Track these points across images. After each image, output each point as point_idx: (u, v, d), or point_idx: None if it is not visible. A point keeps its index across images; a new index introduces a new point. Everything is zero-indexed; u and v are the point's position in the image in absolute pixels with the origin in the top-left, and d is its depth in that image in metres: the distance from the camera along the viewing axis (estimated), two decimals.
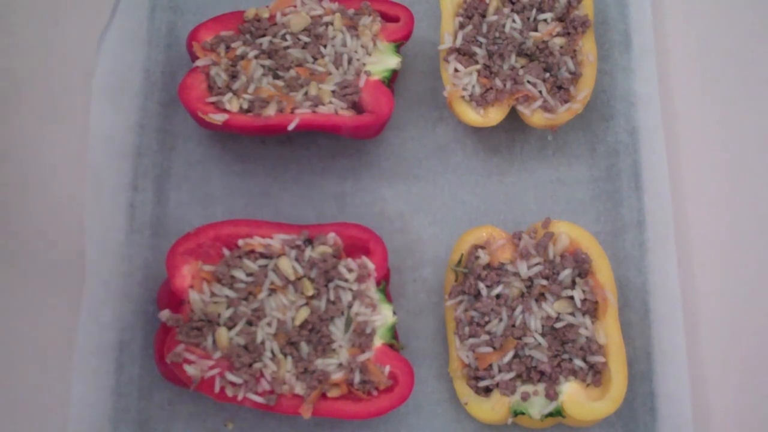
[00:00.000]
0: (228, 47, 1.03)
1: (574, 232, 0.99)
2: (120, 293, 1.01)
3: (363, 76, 1.02)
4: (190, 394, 1.00)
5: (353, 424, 1.00)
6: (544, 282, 0.97)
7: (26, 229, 1.06)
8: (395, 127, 1.10)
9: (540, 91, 1.03)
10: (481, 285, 0.97)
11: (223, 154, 1.08)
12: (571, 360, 0.95)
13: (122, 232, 1.03)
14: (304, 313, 0.94)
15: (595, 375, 0.95)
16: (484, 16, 1.06)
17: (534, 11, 1.05)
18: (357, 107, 1.02)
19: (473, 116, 1.03)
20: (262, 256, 0.96)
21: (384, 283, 0.99)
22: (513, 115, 1.06)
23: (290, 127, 0.99)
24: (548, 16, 1.05)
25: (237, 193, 1.07)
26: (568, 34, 1.05)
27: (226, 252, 0.96)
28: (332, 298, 0.95)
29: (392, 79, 1.04)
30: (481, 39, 1.04)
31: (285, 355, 0.93)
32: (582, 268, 0.97)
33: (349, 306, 0.95)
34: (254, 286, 0.94)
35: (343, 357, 0.94)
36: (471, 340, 0.96)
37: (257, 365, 0.92)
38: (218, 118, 0.99)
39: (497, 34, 1.04)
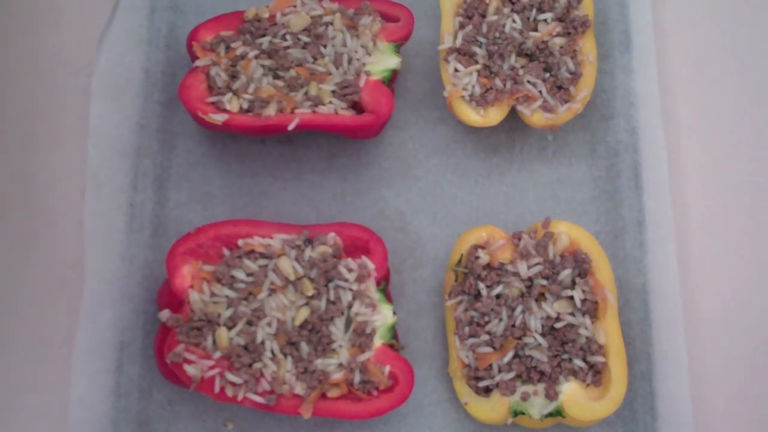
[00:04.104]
0: (228, 47, 1.03)
1: (574, 232, 0.99)
2: (120, 293, 1.01)
3: (363, 76, 1.02)
4: (190, 394, 1.00)
5: (353, 424, 1.00)
6: (544, 282, 0.97)
7: (26, 229, 1.06)
8: (395, 127, 1.10)
9: (540, 91, 1.03)
10: (481, 285, 0.97)
11: (223, 154, 1.08)
12: (571, 360, 0.95)
13: (122, 232, 1.03)
14: (304, 313, 0.94)
15: (595, 375, 0.95)
16: (484, 16, 1.06)
17: (534, 11, 1.05)
18: (357, 107, 1.02)
19: (473, 116, 1.03)
20: (262, 256, 0.96)
21: (384, 283, 0.99)
22: (513, 115, 1.06)
23: (290, 127, 0.99)
24: (548, 16, 1.05)
25: (237, 193, 1.07)
26: (568, 34, 1.05)
27: (226, 252, 0.96)
28: (332, 298, 0.95)
29: (392, 79, 1.04)
30: (481, 39, 1.04)
31: (285, 355, 0.93)
32: (582, 268, 0.97)
33: (349, 306, 0.95)
34: (254, 286, 0.94)
35: (343, 357, 0.94)
36: (471, 340, 0.96)
37: (257, 365, 0.92)
38: (218, 118, 0.99)
39: (497, 34, 1.04)
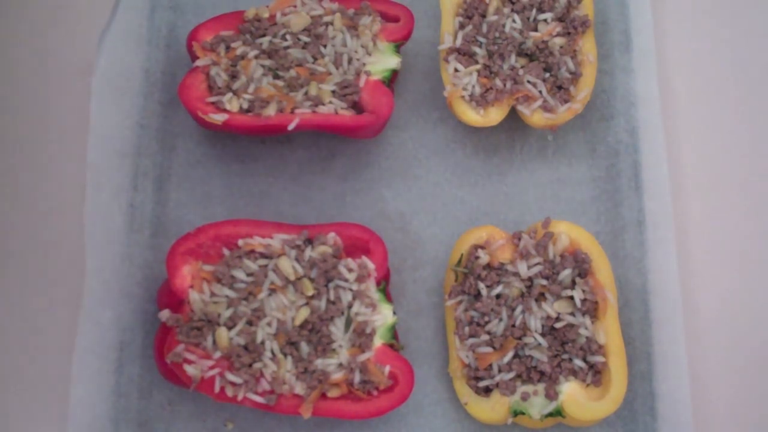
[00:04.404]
0: (228, 47, 1.03)
1: (574, 232, 0.99)
2: (120, 293, 1.01)
3: (363, 76, 1.02)
4: (190, 394, 1.00)
5: (353, 424, 1.00)
6: (544, 282, 0.97)
7: (26, 228, 1.06)
8: (395, 127, 1.10)
9: (540, 91, 1.03)
10: (481, 285, 0.97)
11: (223, 154, 1.08)
12: (571, 360, 0.95)
13: (122, 232, 1.03)
14: (304, 313, 0.94)
15: (595, 375, 0.95)
16: (484, 16, 1.06)
17: (534, 11, 1.05)
18: (357, 107, 1.02)
19: (473, 116, 1.03)
20: (262, 256, 0.96)
21: (384, 283, 0.99)
22: (513, 115, 1.06)
23: (290, 127, 0.99)
24: (548, 16, 1.05)
25: (237, 193, 1.07)
26: (568, 34, 1.05)
27: (226, 252, 0.96)
28: (332, 298, 0.95)
29: (392, 79, 1.04)
30: (481, 39, 1.04)
31: (285, 355, 0.93)
32: (582, 268, 0.97)
33: (349, 306, 0.95)
34: (254, 286, 0.94)
35: (343, 357, 0.94)
36: (471, 340, 0.96)
37: (257, 365, 0.92)
38: (218, 118, 0.99)
39: (497, 34, 1.04)
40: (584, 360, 0.95)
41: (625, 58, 1.10)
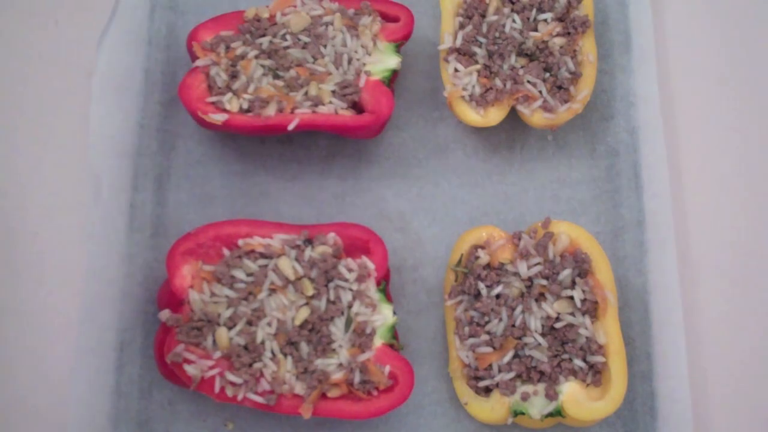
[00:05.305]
0: (228, 47, 1.03)
1: (574, 232, 0.99)
2: (120, 293, 1.01)
3: (363, 76, 1.02)
4: (190, 394, 1.00)
5: (353, 424, 1.00)
6: (544, 282, 0.97)
7: (26, 228, 1.06)
8: (395, 127, 1.10)
9: (540, 91, 1.03)
10: (481, 285, 0.97)
11: (223, 154, 1.08)
12: (571, 360, 0.95)
13: (122, 232, 1.03)
14: (304, 313, 0.94)
15: (595, 375, 0.95)
16: (484, 16, 1.06)
17: (534, 11, 1.05)
18: (357, 107, 1.03)
19: (473, 116, 1.03)
20: (262, 256, 0.96)
21: (384, 283, 0.99)
22: (513, 115, 1.06)
23: (290, 127, 0.99)
24: (548, 16, 1.05)
25: (237, 193, 1.07)
26: (568, 34, 1.05)
27: (226, 252, 0.96)
28: (332, 298, 0.95)
29: (392, 79, 1.04)
30: (481, 39, 1.04)
31: (285, 355, 0.93)
32: (582, 268, 0.97)
33: (349, 306, 0.95)
34: (254, 286, 0.94)
35: (343, 357, 0.94)
36: (471, 340, 0.96)
37: (257, 365, 0.92)
38: (218, 118, 0.99)
39: (497, 34, 1.04)
40: (584, 360, 0.95)
41: (625, 58, 1.10)
